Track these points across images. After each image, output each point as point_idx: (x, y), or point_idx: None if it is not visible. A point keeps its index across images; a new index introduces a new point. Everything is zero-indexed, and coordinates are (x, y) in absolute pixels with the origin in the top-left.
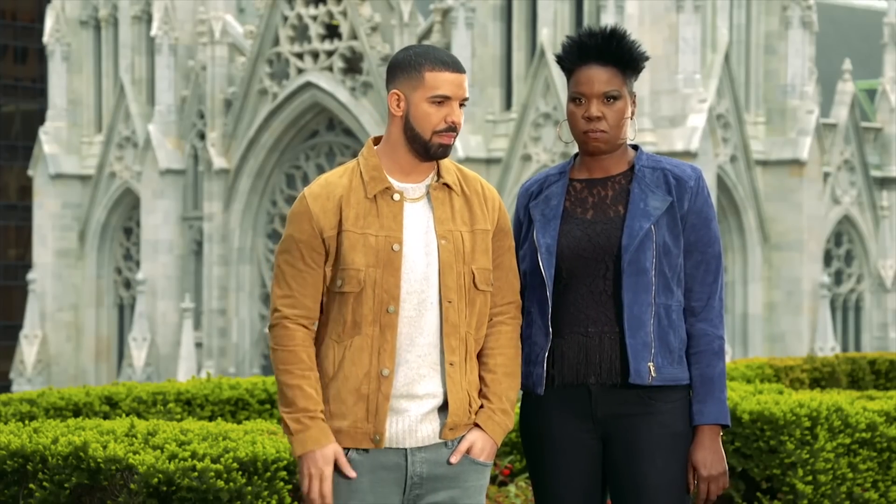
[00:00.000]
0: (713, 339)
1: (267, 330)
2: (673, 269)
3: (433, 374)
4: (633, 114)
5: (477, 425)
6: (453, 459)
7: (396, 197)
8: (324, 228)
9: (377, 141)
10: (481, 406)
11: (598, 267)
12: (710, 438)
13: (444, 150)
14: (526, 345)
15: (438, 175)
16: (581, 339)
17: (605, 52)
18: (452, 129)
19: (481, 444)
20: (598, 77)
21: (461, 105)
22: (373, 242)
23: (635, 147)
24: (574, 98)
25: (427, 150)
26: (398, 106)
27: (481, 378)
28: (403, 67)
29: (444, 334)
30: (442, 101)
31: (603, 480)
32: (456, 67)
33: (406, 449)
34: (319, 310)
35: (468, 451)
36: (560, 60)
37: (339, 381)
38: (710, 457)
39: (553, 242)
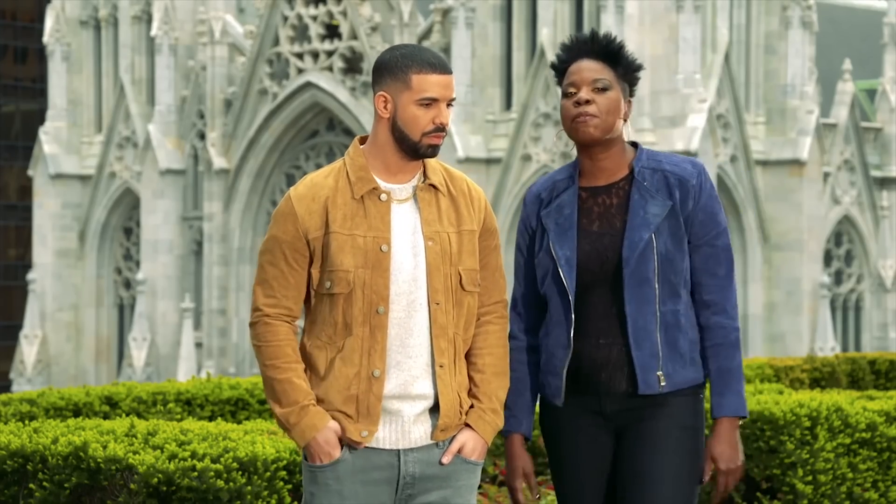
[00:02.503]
0: (730, 331)
1: (249, 328)
2: (678, 273)
3: (425, 375)
4: (626, 116)
5: (468, 425)
6: (445, 460)
7: (384, 197)
8: (309, 230)
9: (363, 140)
10: (471, 406)
11: (607, 280)
12: (729, 431)
13: (434, 150)
14: (544, 353)
15: (425, 175)
16: (593, 352)
17: (594, 49)
18: (441, 129)
19: (472, 444)
20: (588, 66)
21: (449, 105)
22: (361, 243)
23: (635, 145)
24: (566, 92)
25: (416, 150)
26: (385, 108)
27: (470, 378)
28: (390, 69)
29: (433, 336)
30: (429, 103)
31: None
32: (443, 69)
33: (399, 450)
34: (301, 309)
35: (459, 451)
36: (554, 66)
37: (328, 382)
38: (729, 450)
39: (572, 254)
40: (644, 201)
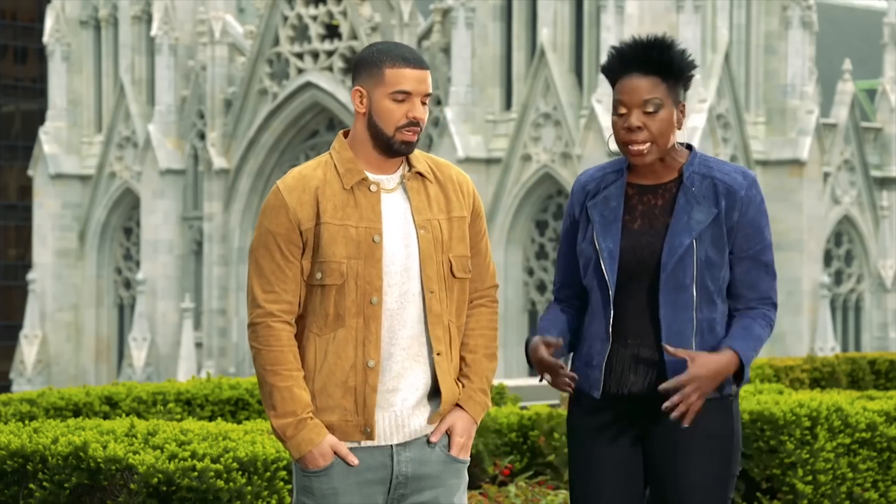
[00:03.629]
0: (765, 318)
1: (248, 328)
2: (716, 281)
3: (416, 365)
4: (680, 123)
5: (457, 405)
6: (434, 439)
7: (373, 188)
8: (301, 221)
9: (346, 135)
10: (462, 385)
11: (642, 280)
12: (726, 360)
13: (408, 147)
14: (585, 345)
15: (409, 165)
16: (622, 351)
17: (646, 62)
18: (415, 123)
19: (461, 424)
20: (639, 86)
21: (423, 102)
22: (353, 234)
23: (690, 147)
24: (616, 111)
25: (390, 146)
26: (361, 103)
27: (462, 358)
28: (365, 65)
29: (428, 324)
30: (403, 97)
31: (644, 477)
32: (417, 63)
33: (392, 447)
34: (298, 303)
35: (449, 432)
36: (604, 71)
37: (324, 375)
38: (711, 364)
39: (615, 247)
40: (689, 206)
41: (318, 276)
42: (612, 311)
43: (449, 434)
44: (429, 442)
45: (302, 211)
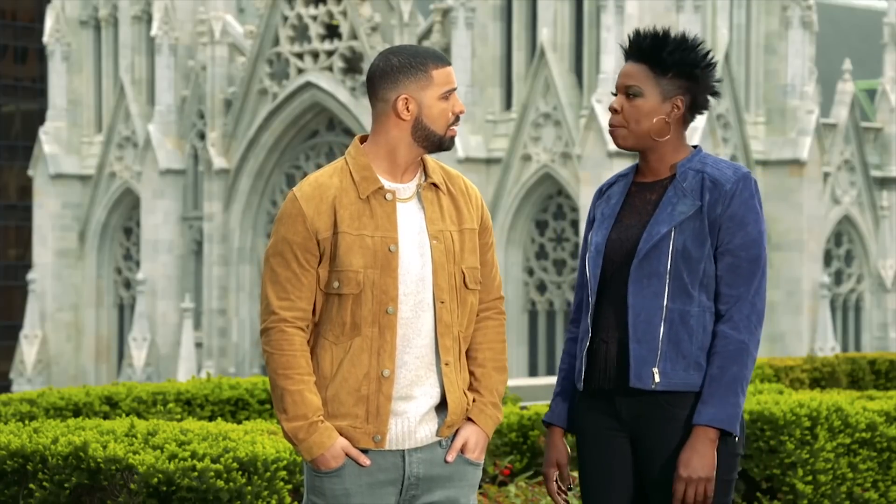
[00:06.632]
0: (730, 341)
1: (260, 333)
2: (693, 273)
3: (429, 374)
4: (673, 118)
5: (469, 419)
6: (449, 458)
7: (389, 197)
8: (319, 230)
9: (362, 140)
10: (472, 399)
11: (623, 271)
12: (701, 440)
13: (453, 141)
14: (579, 339)
15: (426, 174)
16: (602, 345)
17: (637, 51)
18: (458, 118)
19: (475, 438)
20: (625, 71)
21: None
22: (369, 243)
23: (696, 148)
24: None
25: (441, 144)
26: (407, 110)
27: (471, 372)
28: (406, 71)
29: (438, 334)
30: (449, 95)
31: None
32: (448, 60)
33: (404, 450)
34: (312, 311)
35: (463, 448)
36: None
37: (337, 383)
38: (695, 459)
39: (602, 242)
40: (675, 199)
41: (335, 285)
42: (591, 304)
43: (462, 450)
44: (440, 443)
45: (320, 220)
